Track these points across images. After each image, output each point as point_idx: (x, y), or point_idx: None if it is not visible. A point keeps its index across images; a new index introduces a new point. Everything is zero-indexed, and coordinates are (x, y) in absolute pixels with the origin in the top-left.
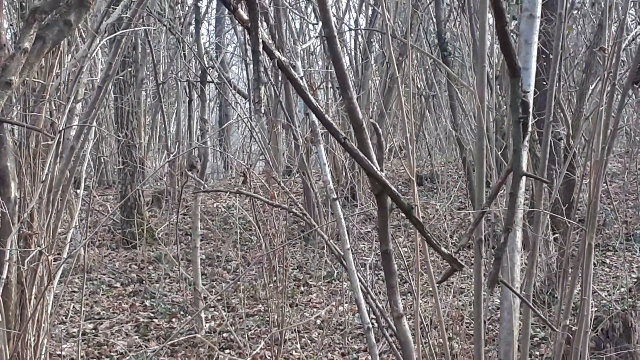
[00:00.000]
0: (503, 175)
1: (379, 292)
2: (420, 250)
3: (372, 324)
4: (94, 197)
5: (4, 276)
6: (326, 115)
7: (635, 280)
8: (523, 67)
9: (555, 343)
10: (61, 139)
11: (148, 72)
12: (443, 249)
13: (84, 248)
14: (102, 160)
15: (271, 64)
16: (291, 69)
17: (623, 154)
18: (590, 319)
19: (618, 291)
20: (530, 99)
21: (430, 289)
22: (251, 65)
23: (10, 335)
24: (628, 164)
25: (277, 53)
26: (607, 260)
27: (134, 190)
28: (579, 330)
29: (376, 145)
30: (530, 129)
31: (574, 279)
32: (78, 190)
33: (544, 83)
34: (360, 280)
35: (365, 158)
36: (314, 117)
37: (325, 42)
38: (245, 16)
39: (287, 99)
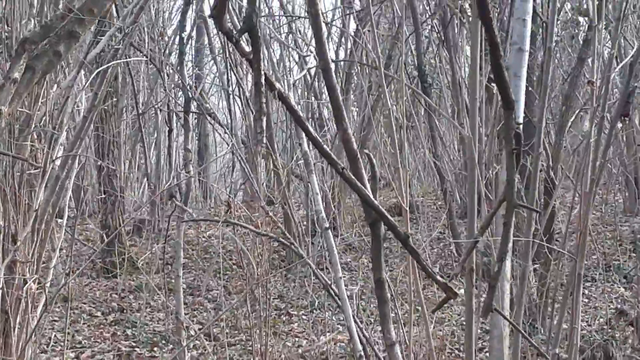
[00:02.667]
0: (496, 205)
1: (362, 321)
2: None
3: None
4: (76, 226)
5: None
6: (324, 146)
7: (613, 310)
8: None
9: None
10: (47, 169)
11: (128, 102)
12: (439, 277)
13: (67, 277)
14: (83, 190)
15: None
16: (291, 99)
17: (601, 185)
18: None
19: (597, 322)
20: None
21: (415, 317)
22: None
23: None
24: (605, 195)
25: (277, 85)
26: (586, 291)
27: (118, 221)
28: (568, 357)
29: (370, 176)
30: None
31: (563, 308)
32: (60, 220)
33: (525, 115)
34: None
35: (363, 187)
36: (305, 147)
37: (321, 73)
38: (246, 48)
39: (268, 129)
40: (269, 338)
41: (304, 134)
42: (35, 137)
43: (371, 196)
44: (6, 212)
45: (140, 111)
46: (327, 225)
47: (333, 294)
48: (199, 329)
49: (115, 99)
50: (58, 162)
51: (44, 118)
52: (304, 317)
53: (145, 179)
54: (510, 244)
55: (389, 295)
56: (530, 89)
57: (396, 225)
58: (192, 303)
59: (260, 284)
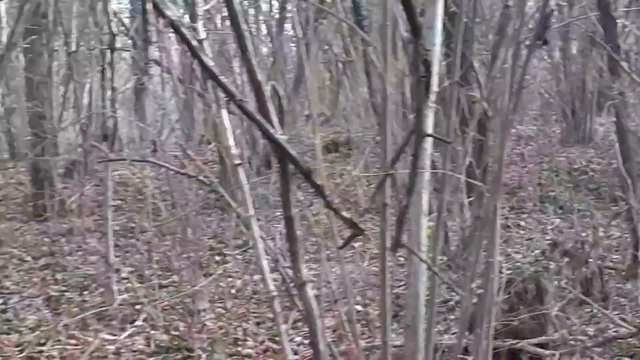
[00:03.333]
0: (406, 136)
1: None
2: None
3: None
4: (4, 169)
5: None
6: (220, 77)
7: (549, 242)
8: (427, 26)
9: (462, 307)
10: None
11: (60, 42)
12: (344, 213)
13: None
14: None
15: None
16: (181, 28)
17: (538, 116)
18: (503, 282)
19: (532, 253)
20: (436, 58)
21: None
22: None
23: None
24: (542, 126)
25: (168, 13)
26: (522, 223)
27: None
28: (484, 293)
29: (277, 108)
30: (436, 89)
31: (479, 241)
32: None
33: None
34: (274, 249)
35: (263, 121)
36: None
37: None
38: None
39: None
40: (199, 279)
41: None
42: None
43: (274, 130)
44: None
45: (71, 50)
46: (237, 161)
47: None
48: (131, 272)
49: (44, 38)
50: None
51: None
52: (238, 257)
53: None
54: (428, 177)
55: (298, 232)
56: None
57: (298, 159)
58: (124, 245)
59: (191, 224)
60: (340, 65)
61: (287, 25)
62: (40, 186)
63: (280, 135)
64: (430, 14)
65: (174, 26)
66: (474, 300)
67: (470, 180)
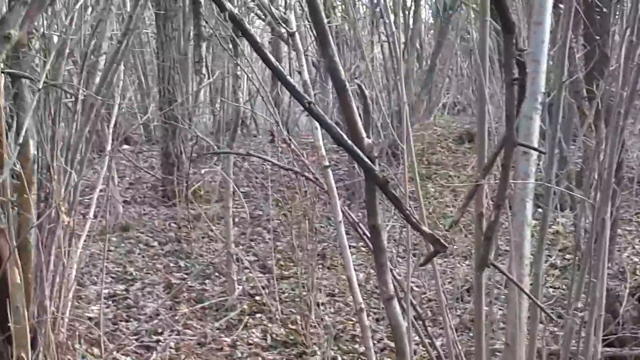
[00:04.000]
0: (499, 144)
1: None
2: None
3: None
4: (139, 153)
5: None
6: (288, 77)
7: None
8: (536, 22)
9: (566, 327)
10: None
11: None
12: (424, 228)
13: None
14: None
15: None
16: (244, 22)
17: None
18: (634, 287)
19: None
20: (544, 54)
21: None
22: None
23: (31, 298)
24: None
25: (228, 5)
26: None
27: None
28: (590, 315)
29: (362, 109)
30: (542, 92)
31: (585, 258)
32: (125, 146)
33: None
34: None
35: (334, 126)
36: (305, 75)
37: None
38: None
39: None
40: (319, 271)
41: (304, 64)
42: (71, 63)
43: (360, 133)
44: (40, 141)
45: (204, 37)
46: (326, 163)
47: (361, 232)
48: (253, 261)
49: (176, 23)
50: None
51: (80, 43)
52: (363, 248)
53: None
54: (532, 186)
55: (385, 243)
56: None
57: (373, 168)
58: (251, 233)
59: (308, 215)
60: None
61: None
62: (170, 171)
63: (367, 140)
64: (537, 8)
65: (234, 20)
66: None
67: (571, 193)
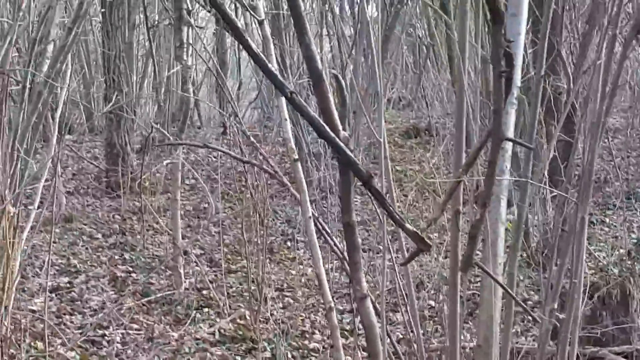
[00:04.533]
0: (482, 138)
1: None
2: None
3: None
4: (81, 143)
5: None
6: (269, 65)
7: (635, 241)
8: (511, 13)
9: (541, 329)
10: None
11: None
12: (408, 226)
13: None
14: (92, 106)
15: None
16: (225, 7)
17: (627, 108)
18: (586, 286)
19: (617, 252)
20: (520, 46)
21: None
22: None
23: None
24: (631, 119)
25: None
26: (607, 220)
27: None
28: (567, 318)
29: (339, 101)
30: (519, 83)
31: (563, 257)
32: (67, 136)
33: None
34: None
35: (317, 118)
36: (275, 65)
37: None
38: None
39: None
40: (267, 266)
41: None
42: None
43: (336, 125)
44: None
45: (149, 25)
46: (295, 156)
47: (320, 227)
48: (200, 255)
49: (122, 12)
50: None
51: (27, 30)
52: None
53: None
54: (507, 182)
55: (359, 240)
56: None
57: (356, 162)
58: (198, 226)
59: (260, 209)
60: (424, 48)
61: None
62: (115, 162)
63: (343, 133)
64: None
65: (216, 6)
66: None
67: (553, 189)
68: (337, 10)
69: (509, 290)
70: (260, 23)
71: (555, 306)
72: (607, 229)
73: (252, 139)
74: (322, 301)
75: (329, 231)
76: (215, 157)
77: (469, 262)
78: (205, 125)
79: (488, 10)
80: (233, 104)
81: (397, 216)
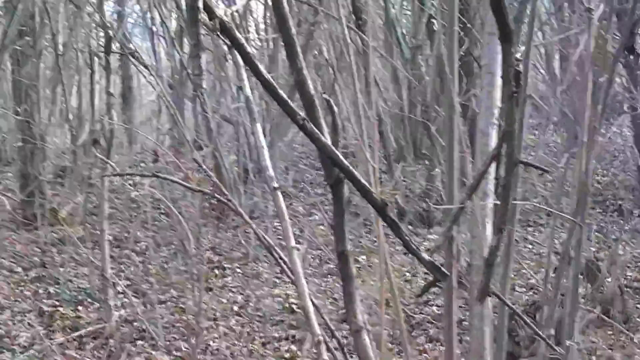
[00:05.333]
0: (488, 161)
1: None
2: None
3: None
4: None
5: None
6: (281, 91)
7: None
8: (490, 32)
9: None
10: None
11: (47, 43)
12: (424, 255)
13: None
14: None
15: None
16: (236, 32)
17: (536, 125)
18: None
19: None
20: (499, 68)
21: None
22: (155, 36)
23: None
24: (542, 135)
25: (219, 12)
26: (529, 237)
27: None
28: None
29: (330, 126)
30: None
31: (557, 284)
32: None
33: None
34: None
35: (329, 145)
36: (247, 91)
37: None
38: None
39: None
40: (202, 295)
41: (245, 77)
42: None
43: (336, 151)
44: None
45: (59, 52)
46: (275, 184)
47: (277, 257)
48: (127, 286)
49: (32, 40)
50: None
51: None
52: (238, 270)
53: (67, 124)
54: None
55: (354, 270)
56: None
57: (370, 189)
58: (118, 256)
59: (192, 237)
60: (330, 70)
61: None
62: (30, 193)
63: (342, 158)
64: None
65: (225, 29)
66: None
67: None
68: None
69: (533, 326)
70: (230, 48)
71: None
72: (530, 246)
73: (204, 167)
74: (257, 329)
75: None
76: (130, 185)
77: (486, 291)
78: (119, 153)
79: (497, 27)
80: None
81: (413, 246)
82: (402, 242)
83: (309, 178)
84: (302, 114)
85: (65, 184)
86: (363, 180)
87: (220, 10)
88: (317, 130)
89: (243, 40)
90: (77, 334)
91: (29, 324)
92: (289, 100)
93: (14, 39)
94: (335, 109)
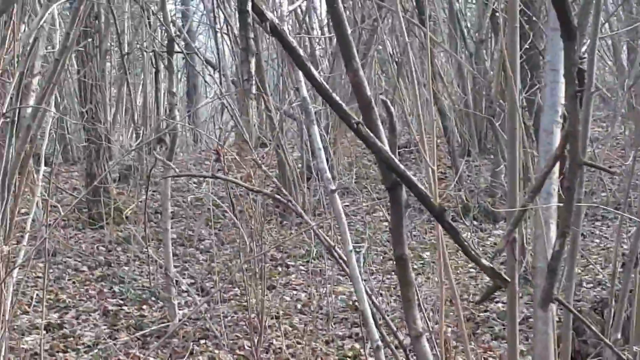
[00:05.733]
0: (551, 162)
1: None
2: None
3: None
4: (57, 174)
5: None
6: (334, 95)
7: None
8: (554, 28)
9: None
10: (16, 118)
11: (112, 43)
12: (484, 261)
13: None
14: (67, 136)
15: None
16: (287, 34)
17: (604, 118)
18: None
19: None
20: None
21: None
22: (219, 34)
23: None
24: (609, 128)
25: (269, 14)
26: (597, 231)
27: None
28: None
29: (388, 128)
30: (563, 101)
31: (625, 285)
32: (45, 168)
33: None
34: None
35: (385, 149)
36: (304, 92)
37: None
38: None
39: (258, 67)
40: (265, 293)
41: (302, 78)
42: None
43: (392, 155)
44: None
45: (124, 52)
46: (333, 187)
47: (337, 257)
48: (190, 284)
49: (97, 40)
50: (29, 111)
51: (12, 62)
52: (302, 267)
53: (132, 124)
54: (555, 207)
55: (413, 275)
56: None
57: (427, 195)
58: (182, 254)
59: (255, 235)
60: (395, 65)
61: None
62: (96, 192)
63: (398, 163)
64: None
65: (276, 31)
66: None
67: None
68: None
69: (597, 332)
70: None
71: (619, 336)
72: (597, 240)
73: (264, 167)
74: (320, 327)
75: (342, 256)
76: (196, 184)
77: (549, 297)
78: (184, 151)
79: (560, 25)
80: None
81: (472, 252)
82: (462, 249)
83: (373, 174)
84: (359, 117)
85: (130, 182)
86: (419, 185)
87: (270, 14)
88: (372, 135)
89: (295, 43)
90: (140, 333)
91: (94, 323)
92: (343, 104)
93: (76, 39)
94: (393, 110)
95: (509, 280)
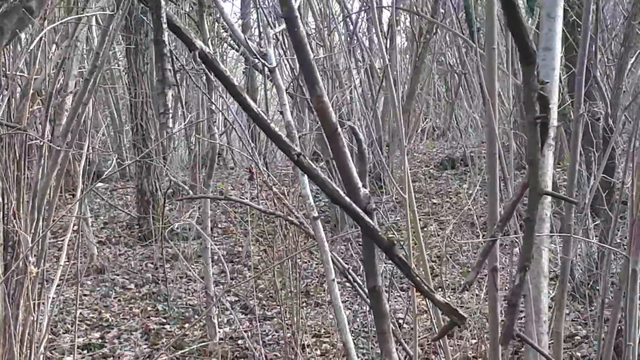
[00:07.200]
0: (518, 191)
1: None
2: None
3: None
4: (113, 190)
5: None
6: (272, 126)
7: None
8: (545, 47)
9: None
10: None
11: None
12: (438, 297)
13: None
14: (123, 152)
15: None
16: (219, 63)
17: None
18: None
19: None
20: (555, 84)
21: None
22: (277, 45)
23: None
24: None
25: (198, 42)
26: None
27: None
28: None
29: (357, 155)
30: (554, 126)
31: (614, 317)
32: (99, 184)
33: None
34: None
35: (329, 181)
36: (288, 116)
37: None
38: None
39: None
40: (302, 312)
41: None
42: (34, 104)
43: (355, 182)
44: (5, 188)
45: (176, 68)
46: (315, 214)
47: (352, 280)
48: (234, 302)
49: (147, 57)
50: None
51: (44, 82)
52: (347, 284)
53: (185, 140)
54: (547, 231)
55: (387, 307)
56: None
57: (376, 229)
58: (232, 271)
59: (291, 256)
60: (455, 76)
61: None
62: (146, 209)
63: (363, 191)
64: (546, 32)
65: (206, 60)
66: None
67: (602, 244)
68: (366, 43)
69: None
70: (272, 71)
71: None
72: None
73: (274, 189)
74: (360, 346)
75: (356, 279)
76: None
77: (510, 334)
78: (238, 167)
79: (517, 49)
80: (253, 151)
81: (425, 287)
82: (413, 284)
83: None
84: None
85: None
86: (368, 219)
87: (199, 42)
88: (313, 166)
89: (227, 73)
90: (179, 352)
91: (134, 342)
92: (282, 135)
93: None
94: (361, 136)
95: (466, 317)
